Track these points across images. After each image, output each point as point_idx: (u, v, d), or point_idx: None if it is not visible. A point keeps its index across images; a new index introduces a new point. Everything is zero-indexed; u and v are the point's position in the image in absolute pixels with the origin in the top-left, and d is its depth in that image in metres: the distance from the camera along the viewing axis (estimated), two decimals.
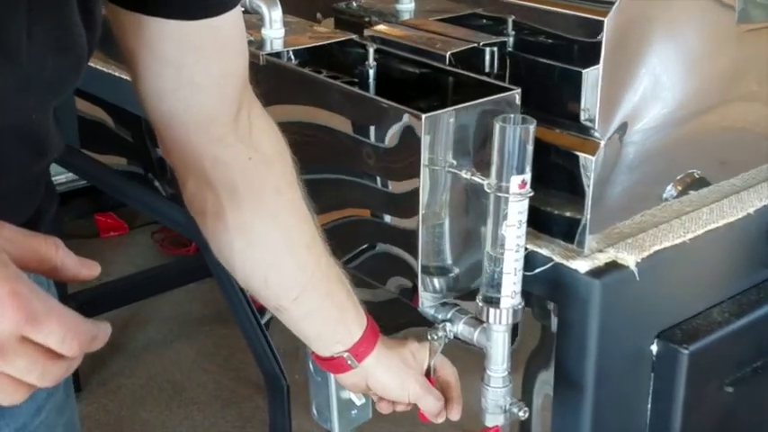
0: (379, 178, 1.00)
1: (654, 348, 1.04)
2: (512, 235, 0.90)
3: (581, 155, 0.97)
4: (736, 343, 1.09)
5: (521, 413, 0.97)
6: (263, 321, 1.57)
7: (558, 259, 0.99)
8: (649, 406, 1.07)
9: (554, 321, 1.19)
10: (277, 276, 0.88)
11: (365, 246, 1.08)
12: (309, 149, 1.11)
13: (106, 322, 0.60)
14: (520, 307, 0.94)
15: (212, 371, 2.33)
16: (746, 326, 1.09)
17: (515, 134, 0.87)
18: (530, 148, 0.88)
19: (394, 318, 1.58)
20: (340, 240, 1.11)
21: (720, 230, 1.06)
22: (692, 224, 1.06)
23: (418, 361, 0.97)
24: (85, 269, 0.61)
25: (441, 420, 0.97)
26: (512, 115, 0.88)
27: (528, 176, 0.89)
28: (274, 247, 0.86)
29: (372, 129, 0.99)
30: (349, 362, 0.93)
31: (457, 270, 1.00)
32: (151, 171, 2.05)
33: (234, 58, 0.78)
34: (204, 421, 2.18)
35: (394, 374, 0.95)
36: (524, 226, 0.90)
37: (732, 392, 1.09)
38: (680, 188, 1.08)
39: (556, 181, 1.00)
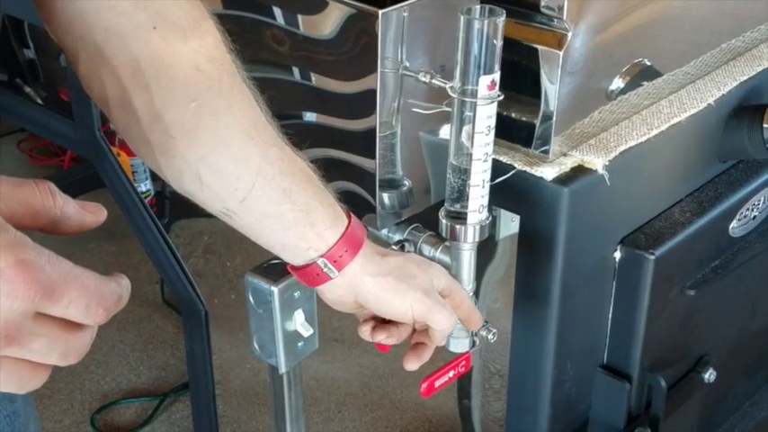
0: (316, 77, 0.90)
1: (617, 255, 0.99)
2: (479, 143, 0.82)
3: (546, 49, 0.88)
4: (698, 243, 1.05)
5: (490, 336, 0.90)
6: None
7: (520, 166, 0.91)
8: (610, 315, 1.03)
9: (501, 229, 1.13)
10: (212, 174, 0.72)
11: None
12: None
13: (123, 276, 0.50)
14: (487, 222, 0.86)
15: None
16: (706, 224, 1.05)
17: (482, 28, 0.77)
18: (498, 44, 0.79)
19: None
20: None
21: (682, 124, 1.00)
22: (654, 119, 1.00)
23: (423, 271, 0.81)
24: (90, 216, 0.51)
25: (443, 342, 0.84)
26: (476, 6, 0.78)
27: (497, 76, 0.80)
28: (202, 136, 0.70)
29: (313, 25, 0.87)
30: (325, 269, 0.77)
31: (410, 185, 0.91)
32: (20, 77, 1.88)
33: None
34: (101, 345, 2.06)
35: (389, 285, 0.78)
36: (493, 132, 0.82)
37: (693, 295, 1.05)
38: (628, 78, 1.01)
39: (514, 80, 0.91)
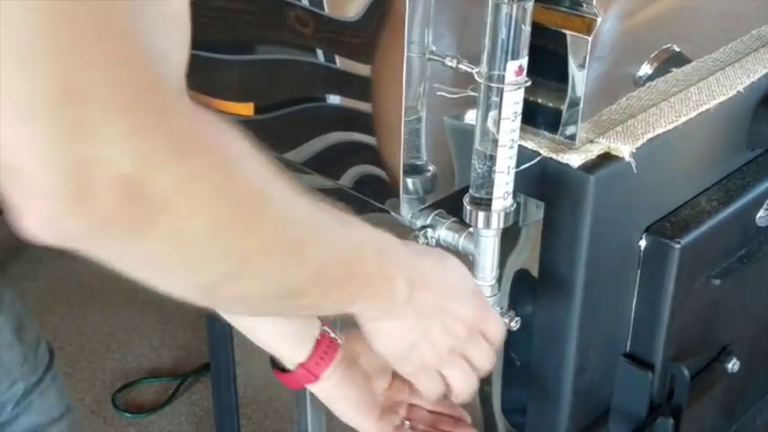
0: (340, 60, 0.90)
1: (642, 243, 0.98)
2: (506, 129, 0.80)
3: (574, 34, 0.87)
4: (724, 232, 1.03)
5: (512, 323, 0.89)
6: None
7: (546, 153, 0.90)
8: (634, 304, 1.01)
9: (525, 216, 1.12)
10: None
11: (318, 137, 0.98)
12: (252, 26, 0.98)
13: None
14: (512, 209, 0.85)
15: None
16: (733, 213, 1.03)
17: (511, 13, 0.76)
18: (527, 28, 0.77)
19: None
20: (291, 131, 1.01)
21: (711, 111, 0.99)
22: (683, 106, 0.98)
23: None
24: None
25: None
26: None
27: (525, 62, 0.78)
28: None
29: (338, 6, 0.87)
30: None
31: (435, 171, 0.90)
32: None
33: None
34: (124, 324, 2.07)
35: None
36: (519, 118, 0.81)
37: (718, 284, 1.04)
38: (656, 65, 1.00)
39: (541, 65, 0.89)
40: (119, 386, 1.91)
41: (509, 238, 1.24)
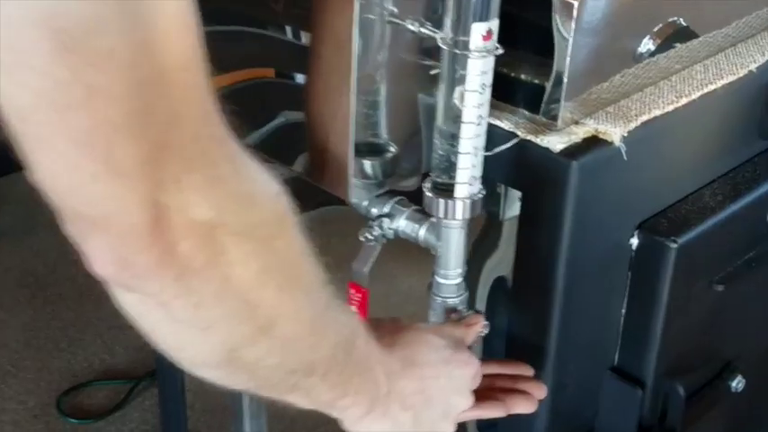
0: (290, 28, 0.85)
1: (634, 242, 0.93)
2: (471, 103, 0.75)
3: None
4: (730, 231, 0.99)
5: (481, 329, 0.84)
6: None
7: (523, 135, 0.84)
8: (624, 310, 0.97)
9: (506, 209, 1.07)
10: None
11: (269, 115, 0.94)
12: None
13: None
14: (479, 197, 0.79)
15: (82, 263, 2.16)
16: (741, 210, 0.99)
17: None
18: None
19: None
20: (242, 109, 0.96)
21: (718, 93, 0.94)
22: (685, 86, 0.93)
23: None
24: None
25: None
26: None
27: (495, 25, 0.72)
28: None
29: None
30: None
31: (395, 152, 0.85)
32: None
33: None
34: (76, 321, 2.04)
35: None
36: (488, 91, 0.75)
37: (721, 291, 0.99)
38: (659, 40, 0.94)
39: (520, 35, 0.84)
40: (66, 388, 1.87)
41: (490, 234, 1.19)
